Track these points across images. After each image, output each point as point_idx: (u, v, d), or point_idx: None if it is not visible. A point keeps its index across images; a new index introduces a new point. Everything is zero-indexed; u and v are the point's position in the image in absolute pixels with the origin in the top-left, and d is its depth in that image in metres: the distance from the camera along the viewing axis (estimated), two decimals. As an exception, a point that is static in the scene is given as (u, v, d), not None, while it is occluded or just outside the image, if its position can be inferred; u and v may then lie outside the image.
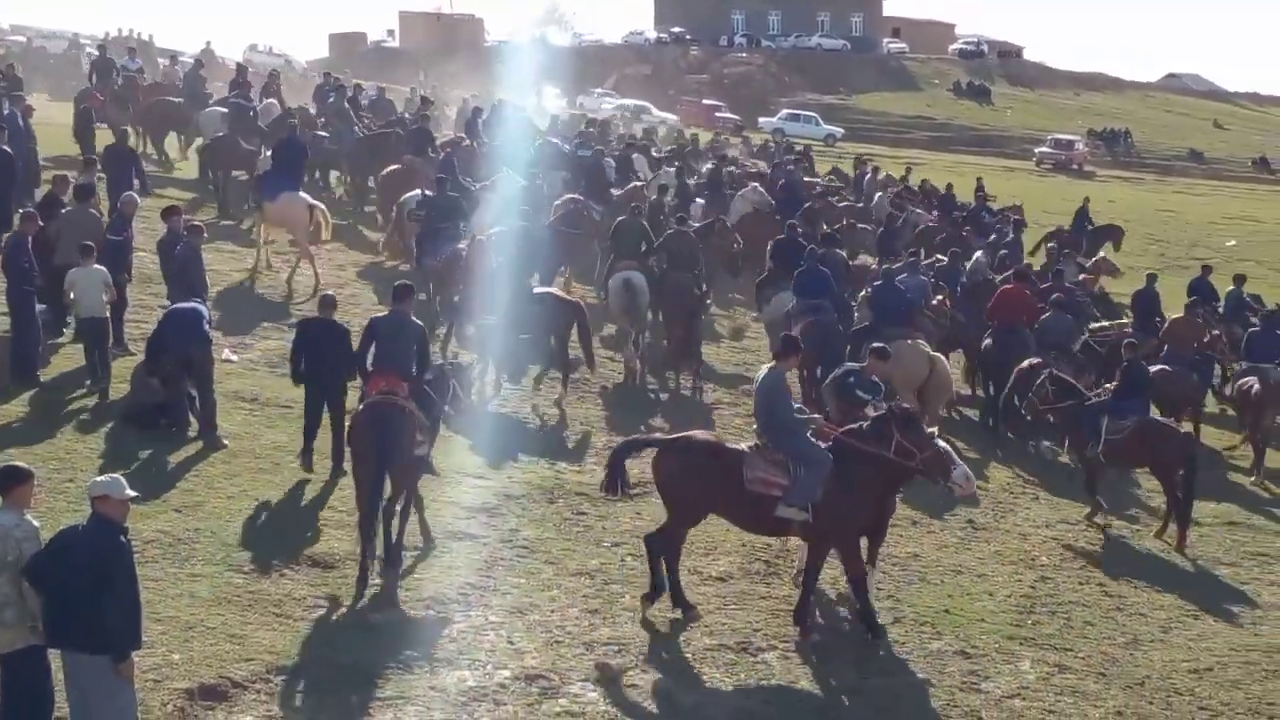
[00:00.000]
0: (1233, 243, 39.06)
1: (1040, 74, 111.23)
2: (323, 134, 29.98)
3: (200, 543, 12.83)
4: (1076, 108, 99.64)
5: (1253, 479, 20.38)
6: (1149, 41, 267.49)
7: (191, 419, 15.83)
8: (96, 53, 37.34)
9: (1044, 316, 21.46)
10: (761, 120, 75.76)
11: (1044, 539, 16.50)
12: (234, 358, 18.44)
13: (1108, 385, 18.41)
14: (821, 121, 77.25)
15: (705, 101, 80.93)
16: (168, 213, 18.18)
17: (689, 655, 11.90)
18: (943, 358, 19.61)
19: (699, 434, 13.54)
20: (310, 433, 15.30)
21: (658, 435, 13.65)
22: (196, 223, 18.11)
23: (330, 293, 16.83)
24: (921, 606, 13.74)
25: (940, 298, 22.20)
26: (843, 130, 76.96)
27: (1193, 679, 12.69)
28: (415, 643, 11.43)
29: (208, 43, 60.95)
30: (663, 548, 12.80)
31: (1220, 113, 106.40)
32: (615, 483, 13.02)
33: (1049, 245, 31.45)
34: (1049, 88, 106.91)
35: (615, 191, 27.84)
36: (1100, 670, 12.64)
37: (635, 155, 33.70)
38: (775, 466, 12.39)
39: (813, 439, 12.59)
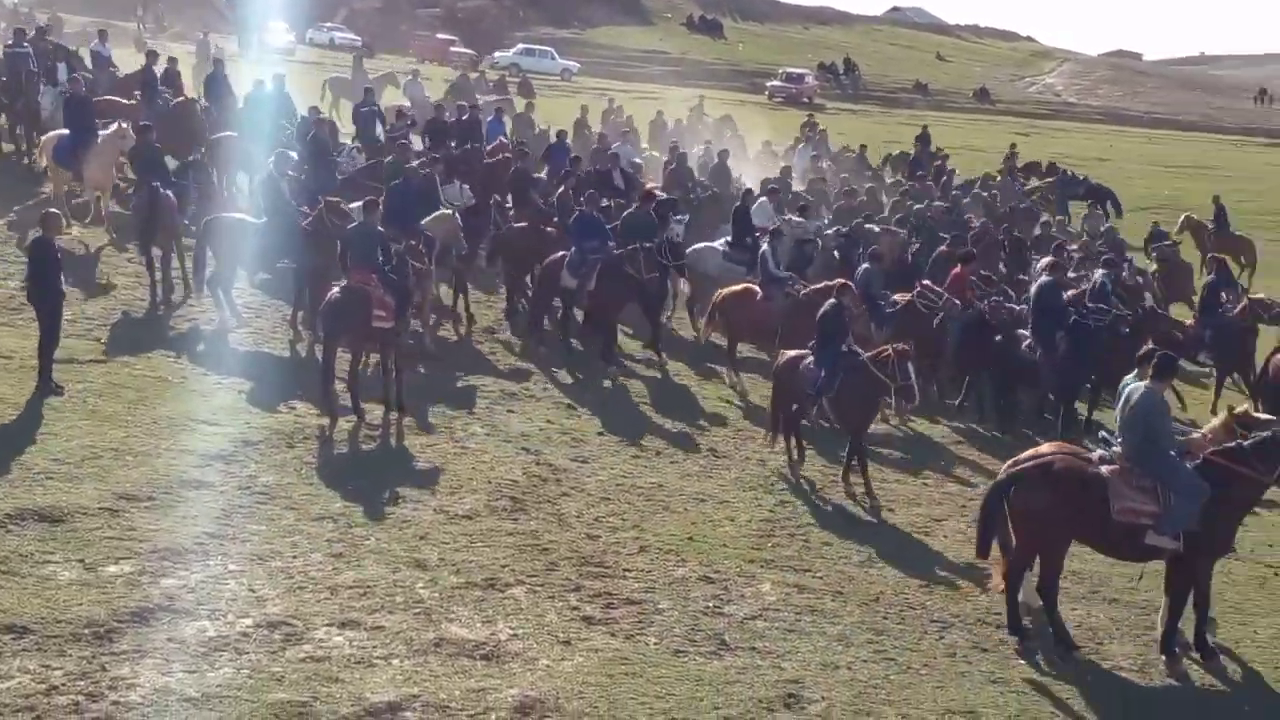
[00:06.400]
0: (956, 170, 40.50)
1: (770, 8, 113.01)
2: None
3: (-84, 502, 12.19)
4: (806, 41, 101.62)
5: None
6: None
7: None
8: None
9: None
10: (497, 54, 75.13)
11: (782, 465, 16.89)
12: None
13: None
14: (557, 56, 77.05)
15: (440, 36, 79.81)
16: None
17: (436, 595, 11.82)
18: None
19: (1057, 460, 12.23)
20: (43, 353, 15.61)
21: (1024, 466, 12.28)
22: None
23: (53, 210, 16.97)
24: (666, 534, 13.95)
25: None
26: (579, 65, 76.92)
27: (924, 593, 13.20)
28: (151, 595, 11.08)
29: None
30: (1019, 581, 12.30)
31: (943, 45, 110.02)
32: (989, 544, 12.34)
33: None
34: (778, 22, 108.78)
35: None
36: (838, 589, 13.02)
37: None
38: (1143, 493, 11.81)
39: (1184, 462, 11.98)
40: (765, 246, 21.77)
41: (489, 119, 32.51)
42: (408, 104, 36.66)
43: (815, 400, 16.49)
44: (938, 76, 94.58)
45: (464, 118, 30.65)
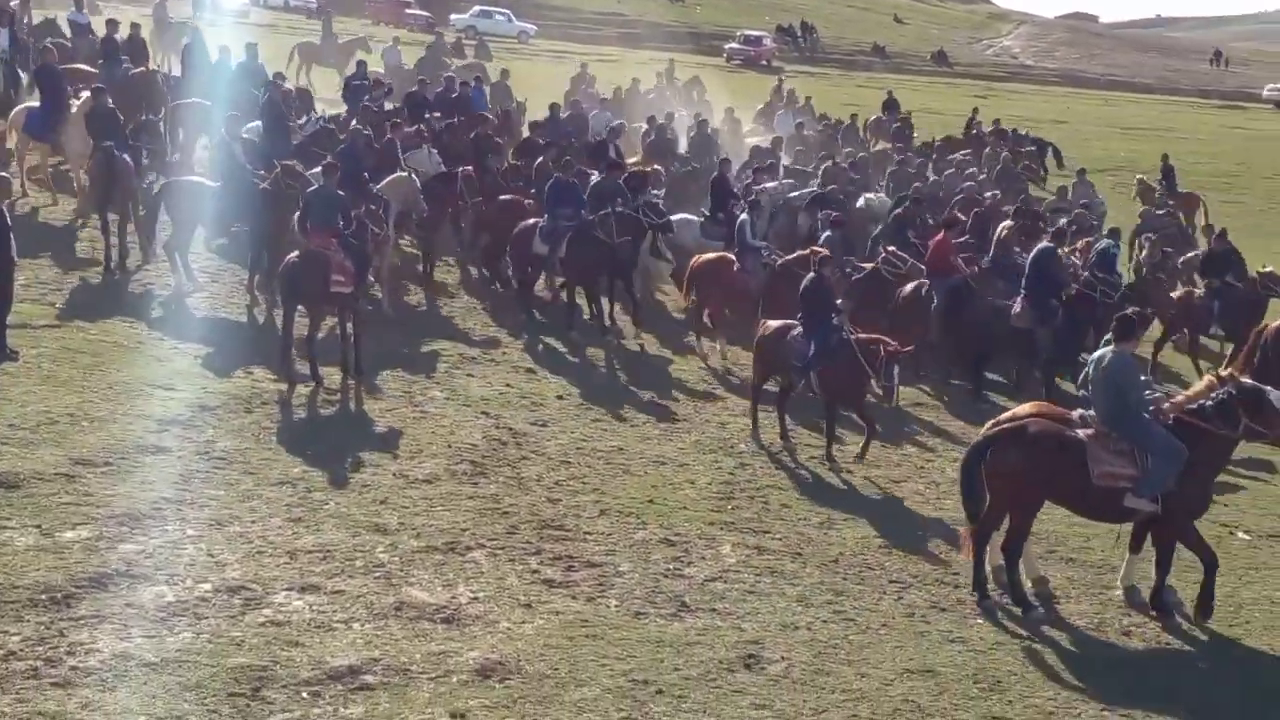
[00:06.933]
0: (915, 134, 40.64)
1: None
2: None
3: None
4: (763, 3, 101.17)
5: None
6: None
7: None
8: None
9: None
10: (453, 17, 74.54)
11: (741, 427, 16.93)
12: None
13: None
14: (513, 18, 76.58)
15: (394, -3, 79.01)
16: None
17: (397, 559, 11.80)
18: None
19: (1033, 422, 12.25)
20: None
21: (1002, 427, 12.34)
22: None
23: (4, 175, 16.86)
24: (626, 498, 13.97)
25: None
26: (535, 27, 76.49)
27: (883, 554, 13.26)
28: (109, 560, 11.01)
29: None
30: (985, 540, 12.33)
31: (900, 7, 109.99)
32: (978, 509, 12.25)
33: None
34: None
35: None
36: (797, 550, 13.08)
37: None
38: (1121, 457, 11.89)
39: (1159, 424, 11.97)
40: (744, 215, 21.52)
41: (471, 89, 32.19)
42: (382, 71, 36.26)
43: (804, 373, 16.45)
44: (895, 39, 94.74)
45: (454, 95, 30.06)
